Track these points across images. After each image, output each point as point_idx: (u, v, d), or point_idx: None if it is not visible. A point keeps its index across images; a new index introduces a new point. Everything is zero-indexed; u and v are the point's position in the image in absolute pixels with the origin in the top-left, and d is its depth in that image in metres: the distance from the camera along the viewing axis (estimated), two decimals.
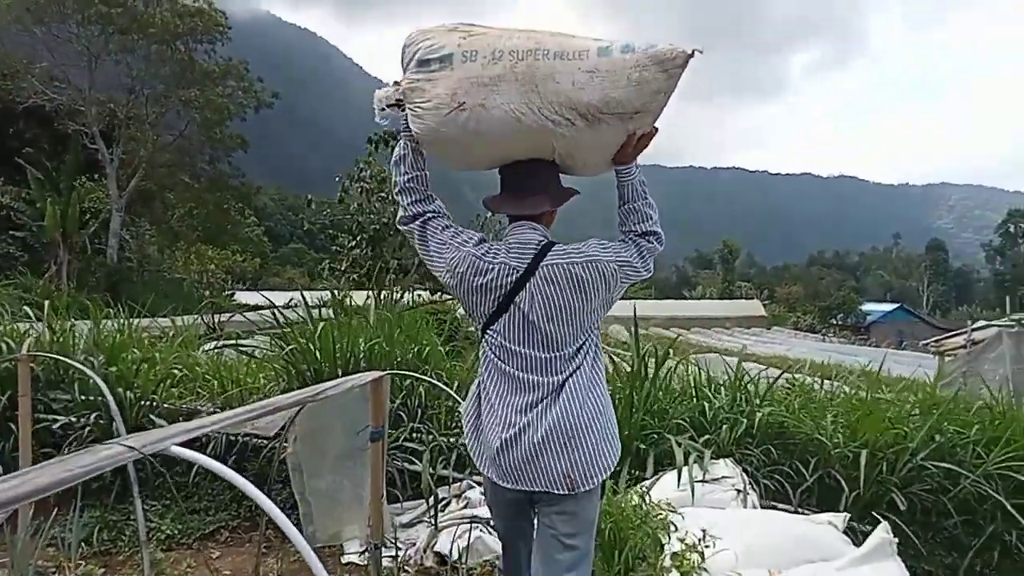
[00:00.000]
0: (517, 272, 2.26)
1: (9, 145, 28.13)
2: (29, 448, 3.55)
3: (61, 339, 4.98)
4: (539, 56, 2.15)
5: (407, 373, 4.30)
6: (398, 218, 2.44)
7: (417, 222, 2.39)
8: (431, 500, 4.20)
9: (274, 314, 4.95)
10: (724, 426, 4.42)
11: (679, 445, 4.09)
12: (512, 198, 2.38)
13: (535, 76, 2.14)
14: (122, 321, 7.71)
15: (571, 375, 2.27)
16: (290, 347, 4.52)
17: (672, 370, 5.05)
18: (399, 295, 9.93)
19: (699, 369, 5.39)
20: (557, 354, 2.27)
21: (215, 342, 7.50)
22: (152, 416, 4.51)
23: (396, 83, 2.35)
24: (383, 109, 2.38)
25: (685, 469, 3.91)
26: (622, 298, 2.46)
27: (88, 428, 4.57)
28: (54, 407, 4.67)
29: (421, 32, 2.33)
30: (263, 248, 53.58)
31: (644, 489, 3.70)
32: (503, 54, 2.17)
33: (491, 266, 2.28)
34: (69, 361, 3.49)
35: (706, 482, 3.88)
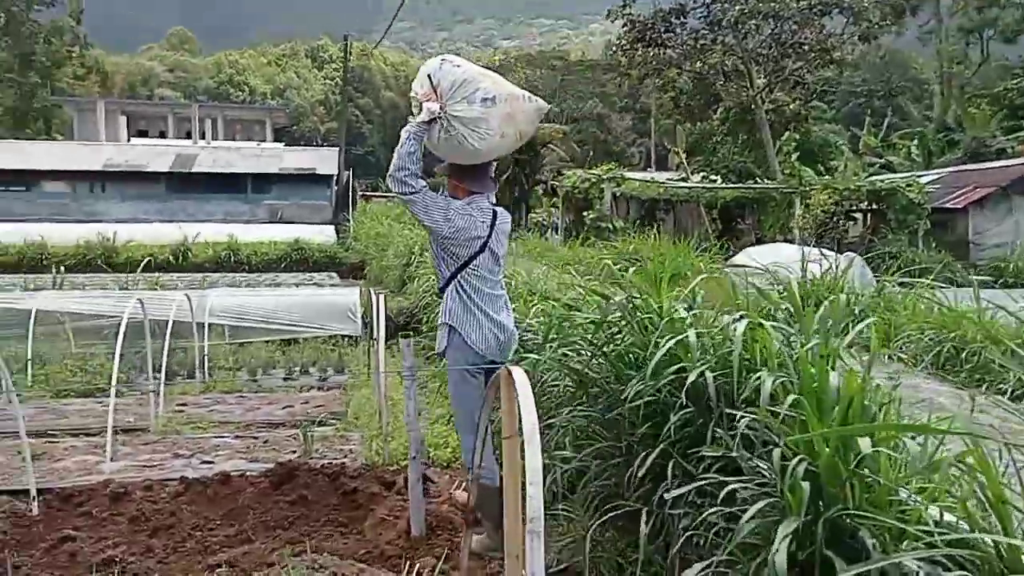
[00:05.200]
0: (488, 225, 3.79)
1: None
2: None
3: None
4: (517, 99, 3.76)
5: None
6: (405, 189, 3.62)
7: (422, 193, 3.63)
8: None
9: None
10: None
11: None
12: (484, 180, 3.92)
13: (516, 113, 3.71)
14: None
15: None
16: None
17: None
18: None
19: None
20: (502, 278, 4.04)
21: None
22: None
23: (439, 103, 3.64)
24: (419, 115, 3.69)
25: None
26: None
27: None
28: None
29: (482, 73, 3.73)
30: None
31: None
32: (505, 97, 3.66)
33: (480, 223, 3.76)
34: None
35: None
